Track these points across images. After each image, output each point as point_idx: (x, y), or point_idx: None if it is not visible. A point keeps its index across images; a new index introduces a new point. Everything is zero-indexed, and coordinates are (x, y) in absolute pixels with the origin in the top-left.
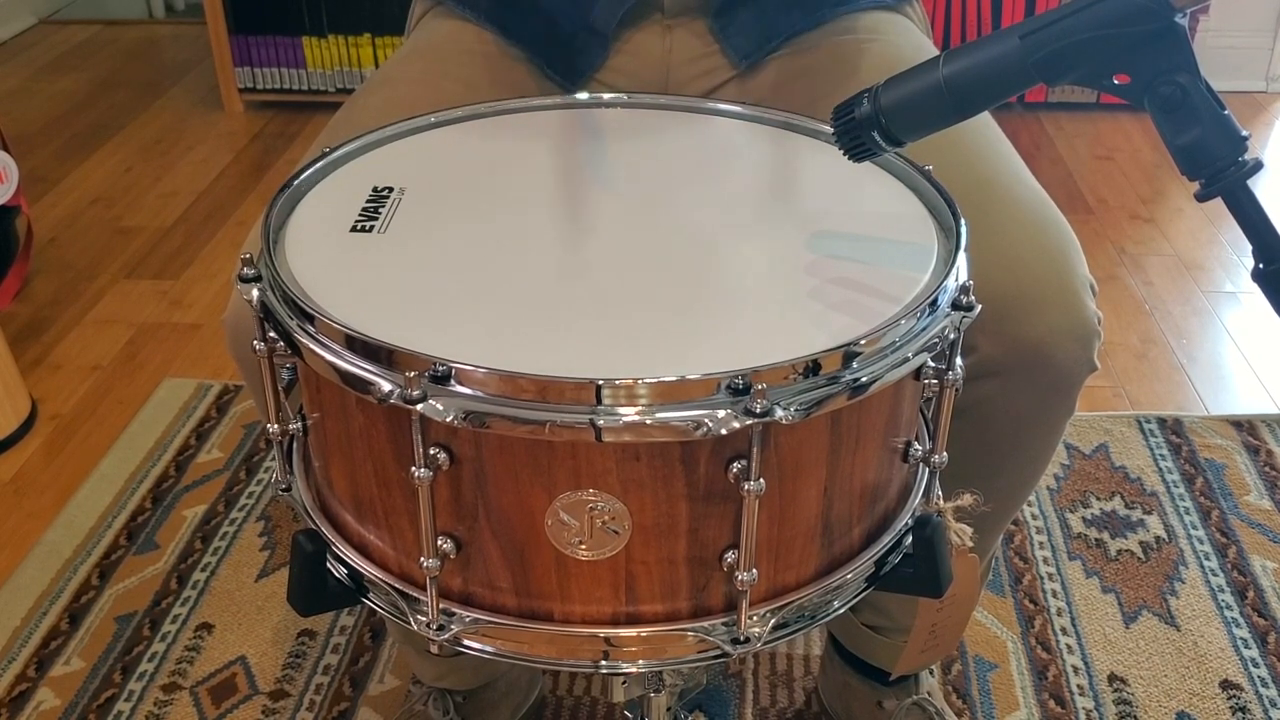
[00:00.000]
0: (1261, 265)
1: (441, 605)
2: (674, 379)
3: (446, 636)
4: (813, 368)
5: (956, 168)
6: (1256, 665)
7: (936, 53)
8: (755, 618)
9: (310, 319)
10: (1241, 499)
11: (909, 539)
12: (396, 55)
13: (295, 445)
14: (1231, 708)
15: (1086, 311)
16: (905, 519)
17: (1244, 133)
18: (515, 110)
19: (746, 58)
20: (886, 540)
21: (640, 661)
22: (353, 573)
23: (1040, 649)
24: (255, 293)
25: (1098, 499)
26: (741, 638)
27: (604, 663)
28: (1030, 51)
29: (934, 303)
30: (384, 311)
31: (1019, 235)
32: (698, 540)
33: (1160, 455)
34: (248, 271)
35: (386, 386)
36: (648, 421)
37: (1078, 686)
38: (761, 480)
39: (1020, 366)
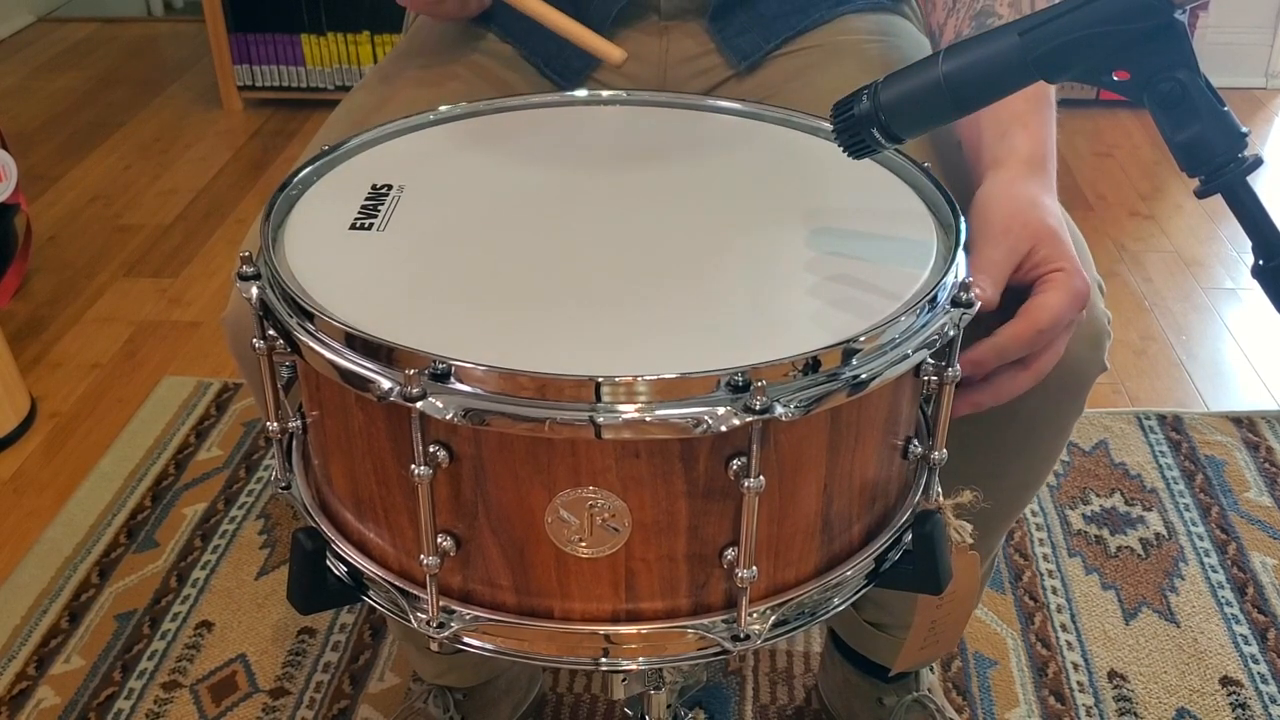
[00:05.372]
0: (1261, 262)
1: (441, 603)
2: (673, 376)
3: (446, 634)
4: (812, 365)
5: (957, 165)
6: (1256, 661)
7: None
8: (755, 615)
9: (309, 316)
10: (1241, 495)
11: (908, 536)
12: (394, 53)
13: (295, 443)
14: (1231, 704)
15: (1096, 311)
16: (905, 516)
17: (1243, 129)
18: (514, 108)
19: (744, 59)
20: (886, 537)
21: (640, 659)
22: (352, 570)
23: (1040, 646)
24: (254, 290)
25: (1097, 495)
26: (741, 635)
27: (604, 660)
28: (1030, 48)
29: (933, 299)
30: (383, 309)
31: None
32: (697, 537)
33: (1160, 452)
34: (247, 269)
35: (386, 384)
36: (647, 419)
37: (1078, 683)
38: (761, 477)
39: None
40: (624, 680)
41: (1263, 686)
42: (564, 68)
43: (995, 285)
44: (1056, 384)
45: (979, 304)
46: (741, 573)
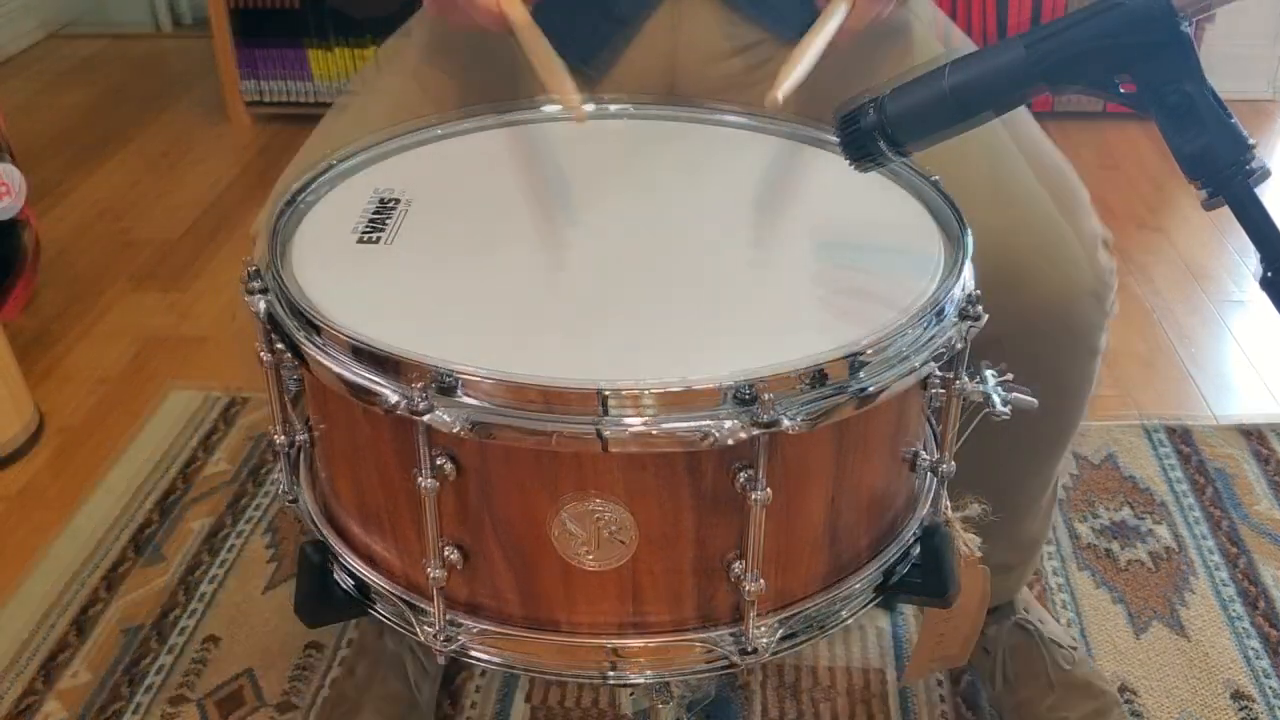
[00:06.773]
0: (1269, 273)
1: (448, 615)
2: (680, 388)
3: (453, 647)
4: (819, 376)
5: (962, 177)
6: (1268, 676)
7: (942, 51)
8: (762, 627)
9: (316, 329)
10: (1251, 507)
11: (917, 548)
12: (392, 48)
13: (302, 455)
14: (1242, 718)
15: (1098, 267)
16: (913, 528)
17: (1250, 139)
18: (520, 109)
19: (790, 28)
20: (894, 549)
21: (647, 672)
22: (359, 584)
23: None
24: (261, 303)
25: (1106, 508)
26: (749, 648)
27: (611, 673)
28: (1036, 60)
29: (940, 311)
30: (389, 321)
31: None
32: (704, 549)
33: (1169, 464)
34: (254, 284)
35: (392, 397)
36: (653, 431)
37: None
38: (768, 489)
39: (1032, 332)
40: (631, 694)
41: (1274, 701)
42: (584, 57)
43: None
44: (1061, 329)
45: (985, 317)
46: (748, 585)
